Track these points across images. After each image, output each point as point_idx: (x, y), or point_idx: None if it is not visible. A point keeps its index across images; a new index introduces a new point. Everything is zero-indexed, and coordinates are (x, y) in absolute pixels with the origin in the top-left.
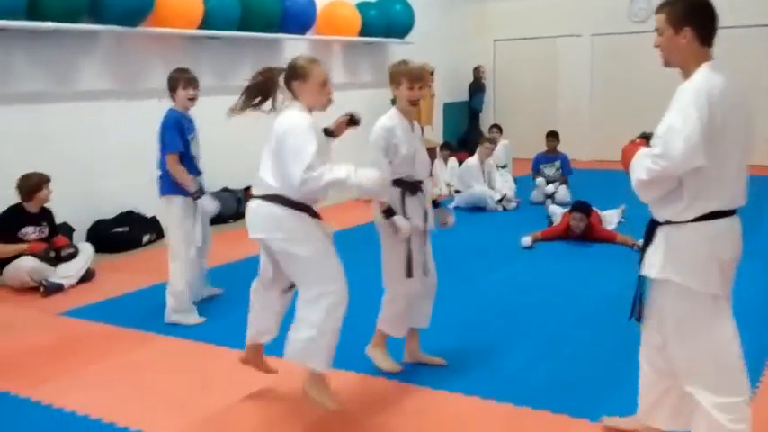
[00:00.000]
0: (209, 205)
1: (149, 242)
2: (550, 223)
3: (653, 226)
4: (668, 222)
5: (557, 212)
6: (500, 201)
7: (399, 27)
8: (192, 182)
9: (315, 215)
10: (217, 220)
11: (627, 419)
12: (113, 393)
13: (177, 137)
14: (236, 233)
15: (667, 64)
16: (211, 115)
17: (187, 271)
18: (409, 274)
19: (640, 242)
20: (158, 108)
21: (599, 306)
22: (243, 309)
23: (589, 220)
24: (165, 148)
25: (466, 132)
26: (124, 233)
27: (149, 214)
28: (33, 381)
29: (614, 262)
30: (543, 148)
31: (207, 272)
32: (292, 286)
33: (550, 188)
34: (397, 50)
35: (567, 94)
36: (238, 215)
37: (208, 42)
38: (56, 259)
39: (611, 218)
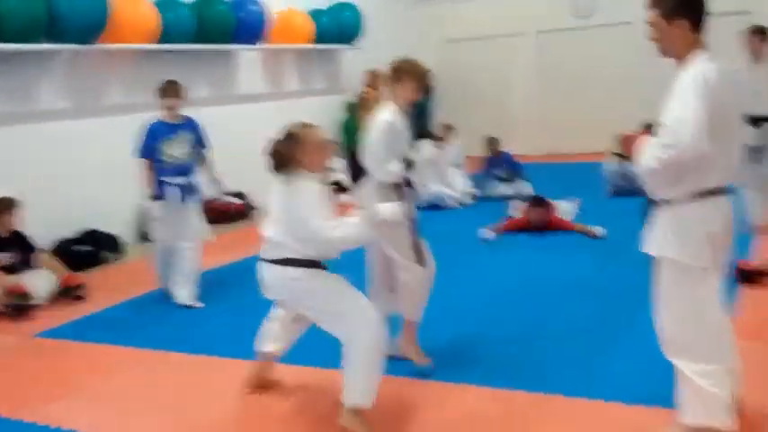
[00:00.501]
0: (152, 208)
1: (113, 260)
2: (509, 216)
3: (650, 205)
4: (666, 201)
5: (516, 206)
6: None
7: (351, 33)
8: (150, 183)
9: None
10: None
11: None
12: (111, 409)
13: (142, 145)
14: None
15: (665, 54)
16: None
17: (158, 261)
18: (421, 262)
19: (597, 230)
20: (118, 124)
21: (565, 290)
22: (217, 318)
23: (548, 212)
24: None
25: (418, 133)
26: (88, 252)
27: (112, 231)
28: (30, 403)
29: (574, 249)
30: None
31: (197, 276)
32: None
33: (509, 191)
34: (350, 56)
35: (516, 91)
36: None
37: (164, 56)
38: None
39: (567, 209)
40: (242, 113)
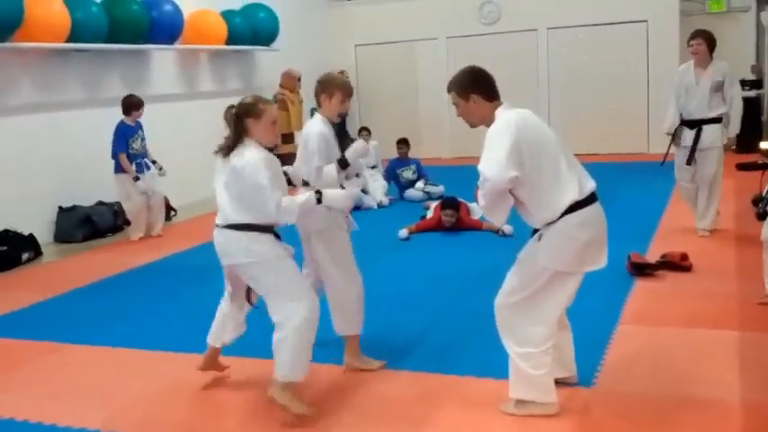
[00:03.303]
0: (142, 185)
1: (28, 260)
2: (423, 216)
3: (535, 231)
4: (546, 225)
5: (430, 206)
6: (366, 192)
7: (265, 34)
8: (131, 170)
9: (276, 236)
10: (95, 234)
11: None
12: (35, 396)
13: (119, 142)
14: (116, 245)
15: (472, 126)
16: (82, 128)
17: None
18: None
19: (505, 228)
20: (30, 124)
21: (473, 283)
22: (135, 316)
23: (458, 213)
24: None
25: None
26: (2, 252)
27: (26, 232)
28: None
29: (482, 246)
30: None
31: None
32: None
33: (418, 194)
34: (264, 57)
35: (427, 95)
36: (116, 228)
37: (76, 55)
38: None
39: (477, 209)
40: (156, 114)
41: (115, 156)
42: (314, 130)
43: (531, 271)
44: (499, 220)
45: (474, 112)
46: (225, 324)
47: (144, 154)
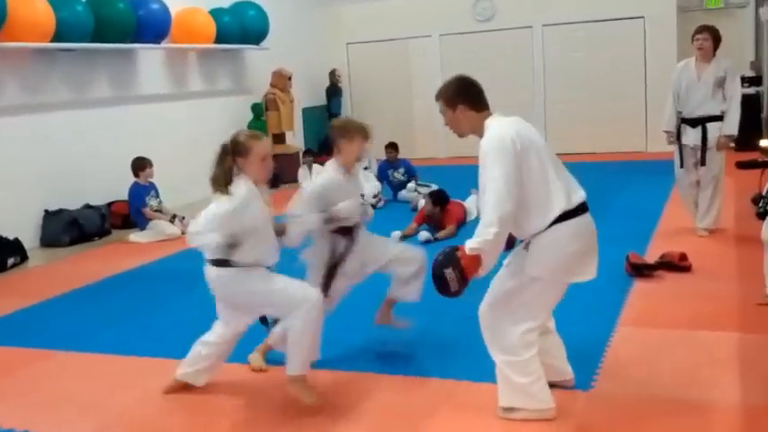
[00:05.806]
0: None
1: (14, 265)
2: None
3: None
4: (531, 236)
5: (421, 202)
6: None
7: (254, 33)
8: (156, 215)
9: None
10: (82, 237)
11: None
12: (23, 405)
13: (134, 200)
14: (103, 250)
15: (461, 135)
16: (68, 129)
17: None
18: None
19: None
20: (16, 125)
21: (469, 287)
22: (123, 322)
23: (445, 206)
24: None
25: (326, 136)
26: None
27: (11, 236)
28: None
29: None
30: (403, 147)
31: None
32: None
33: (409, 194)
34: (254, 56)
35: (421, 93)
36: (104, 232)
37: (61, 55)
38: None
39: (474, 210)
40: (144, 114)
41: (137, 213)
42: (316, 182)
43: (519, 281)
44: (514, 232)
45: (461, 122)
46: (207, 359)
47: (160, 211)
